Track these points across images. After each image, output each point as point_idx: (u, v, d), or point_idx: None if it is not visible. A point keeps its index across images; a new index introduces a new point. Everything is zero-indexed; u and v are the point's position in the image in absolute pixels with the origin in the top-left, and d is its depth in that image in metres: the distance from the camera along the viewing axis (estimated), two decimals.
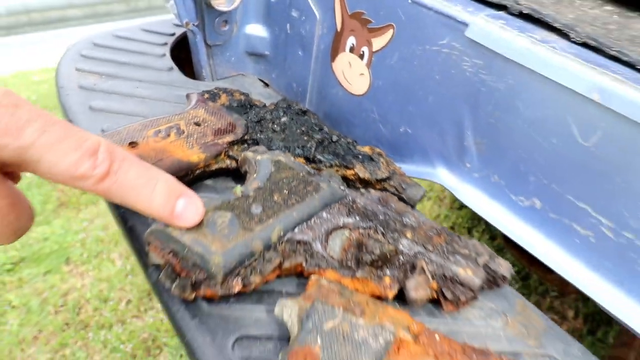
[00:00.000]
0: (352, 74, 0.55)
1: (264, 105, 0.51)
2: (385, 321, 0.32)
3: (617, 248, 0.38)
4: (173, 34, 0.69)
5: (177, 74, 0.60)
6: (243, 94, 0.51)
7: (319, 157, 0.46)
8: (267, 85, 0.66)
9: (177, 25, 0.72)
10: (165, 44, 0.66)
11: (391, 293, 0.37)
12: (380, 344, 0.30)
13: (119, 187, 0.28)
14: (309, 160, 0.46)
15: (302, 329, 0.31)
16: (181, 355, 1.36)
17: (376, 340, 0.30)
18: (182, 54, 0.69)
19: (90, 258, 1.63)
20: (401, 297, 0.38)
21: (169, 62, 0.62)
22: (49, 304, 1.46)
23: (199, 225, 0.34)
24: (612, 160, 0.37)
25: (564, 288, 0.87)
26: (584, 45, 0.39)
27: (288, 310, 0.32)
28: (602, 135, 0.36)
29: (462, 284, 0.38)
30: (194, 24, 0.57)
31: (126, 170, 0.29)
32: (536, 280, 1.51)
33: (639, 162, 0.35)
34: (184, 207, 0.32)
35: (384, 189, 0.47)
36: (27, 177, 1.94)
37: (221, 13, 0.58)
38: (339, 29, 0.55)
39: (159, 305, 1.50)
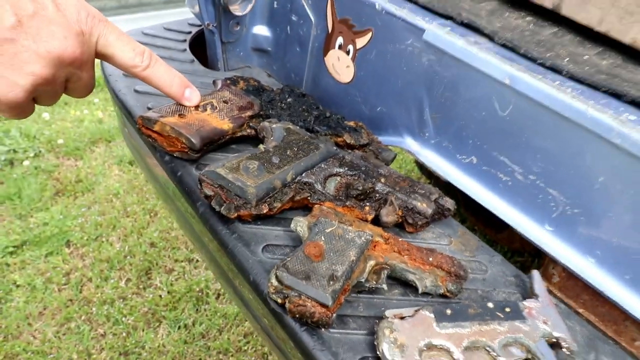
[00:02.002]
0: (340, 66, 0.71)
1: (272, 90, 0.66)
2: (366, 230, 0.48)
3: (525, 187, 0.56)
4: (189, 32, 0.83)
5: (198, 65, 0.74)
6: (256, 80, 0.66)
7: (316, 128, 0.62)
8: (269, 75, 0.81)
9: (191, 25, 0.86)
10: (185, 40, 0.80)
11: (370, 217, 0.52)
12: (363, 241, 0.46)
13: (154, 76, 0.49)
14: (309, 130, 0.62)
15: (310, 233, 0.46)
16: (179, 327, 1.48)
17: (360, 239, 0.46)
18: (195, 49, 0.83)
19: (89, 241, 1.72)
20: (376, 222, 0.54)
21: (190, 55, 0.76)
22: (53, 283, 1.55)
23: (237, 168, 0.49)
24: (520, 125, 0.54)
25: (511, 245, 1.04)
26: (504, 45, 0.56)
27: (300, 223, 0.48)
28: (513, 108, 0.53)
29: (419, 213, 0.54)
30: (213, 25, 0.71)
31: (159, 66, 0.49)
32: (491, 245, 1.71)
33: (536, 126, 0.52)
34: (189, 93, 0.54)
35: (365, 151, 0.63)
36: (23, 166, 2.00)
37: (235, 17, 0.72)
38: (330, 31, 0.71)
39: (157, 283, 1.62)
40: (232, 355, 1.45)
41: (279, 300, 0.42)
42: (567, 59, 0.55)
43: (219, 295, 1.60)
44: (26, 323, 1.44)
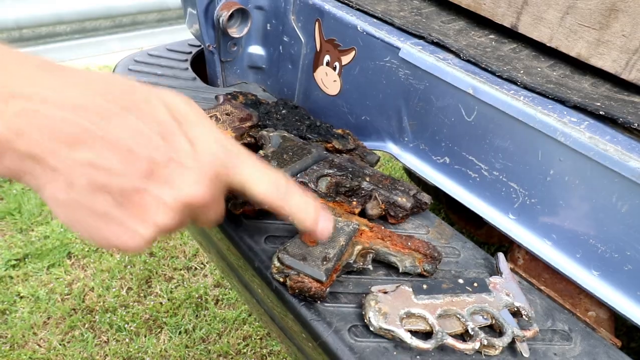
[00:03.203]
0: (328, 81, 0.80)
1: (268, 103, 0.75)
2: (354, 220, 0.56)
3: (491, 182, 0.64)
4: (190, 52, 0.91)
5: (199, 82, 0.82)
6: (253, 95, 0.74)
7: (308, 135, 0.70)
8: (264, 90, 0.90)
9: (191, 45, 0.94)
10: (186, 60, 0.88)
11: (357, 210, 0.60)
12: (351, 229, 0.54)
13: (289, 206, 0.40)
14: (302, 137, 0.70)
15: None
16: (180, 333, 1.54)
17: (348, 227, 0.54)
18: (194, 67, 0.91)
19: (90, 252, 1.77)
20: (363, 215, 0.61)
21: (191, 73, 0.84)
22: (56, 293, 1.60)
23: None
24: (483, 129, 0.62)
25: (488, 239, 1.13)
26: (468, 61, 0.65)
27: None
28: (477, 114, 0.62)
29: (399, 207, 0.62)
30: (213, 46, 0.80)
31: (293, 195, 0.41)
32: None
33: (497, 129, 0.61)
34: (324, 223, 0.43)
35: (352, 155, 0.71)
36: None
37: (232, 38, 0.81)
38: (318, 50, 0.79)
39: (157, 290, 1.67)
40: (232, 358, 1.50)
41: (281, 279, 0.49)
42: (522, 71, 0.64)
43: (217, 301, 1.65)
44: (31, 332, 1.48)
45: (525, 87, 0.60)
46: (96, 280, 1.66)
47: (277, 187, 0.39)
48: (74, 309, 1.56)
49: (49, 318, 1.54)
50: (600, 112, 0.55)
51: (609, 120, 0.55)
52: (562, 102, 0.58)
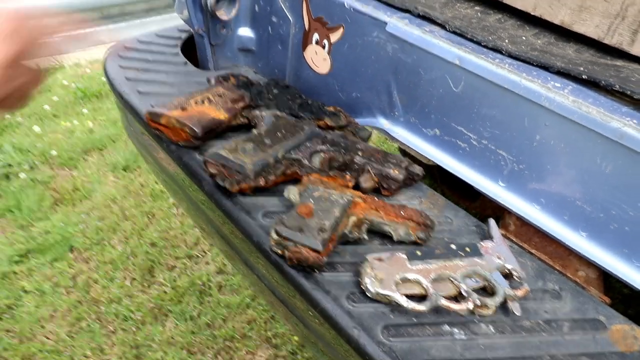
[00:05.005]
0: (318, 59, 0.80)
1: (260, 84, 0.75)
2: (347, 192, 0.58)
3: (480, 151, 0.66)
4: (179, 37, 0.91)
5: (190, 67, 0.83)
6: (245, 76, 0.75)
7: (300, 114, 0.71)
8: (255, 72, 0.90)
9: (181, 31, 0.94)
10: (176, 45, 0.88)
11: (350, 184, 0.62)
12: (345, 201, 0.55)
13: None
14: (294, 116, 0.71)
15: (301, 198, 0.55)
16: (185, 320, 1.56)
17: (342, 200, 0.56)
18: (185, 52, 0.92)
19: (92, 245, 1.78)
20: (357, 189, 0.63)
21: (182, 58, 0.85)
22: (60, 287, 1.62)
23: (236, 149, 0.58)
24: (471, 98, 0.64)
25: (484, 212, 1.14)
26: (454, 32, 0.66)
27: (292, 191, 0.57)
28: (464, 85, 0.63)
29: (392, 179, 0.64)
30: (202, 30, 0.80)
31: None
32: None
33: (483, 98, 0.62)
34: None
35: (344, 131, 0.72)
36: (20, 179, 2.06)
37: (221, 21, 0.81)
38: (306, 29, 0.80)
39: (161, 279, 1.69)
40: (237, 342, 1.53)
41: (279, 252, 0.51)
42: (507, 40, 0.65)
43: (220, 287, 1.68)
44: (39, 325, 1.50)
45: (510, 56, 0.61)
46: (100, 272, 1.68)
47: None
48: (79, 301, 1.59)
49: (55, 311, 1.56)
50: (583, 77, 0.56)
51: (591, 83, 0.56)
52: (546, 68, 0.59)
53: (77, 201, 2.01)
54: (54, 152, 2.26)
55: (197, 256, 1.79)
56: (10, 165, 2.16)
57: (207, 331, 1.56)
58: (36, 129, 2.43)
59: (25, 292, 1.62)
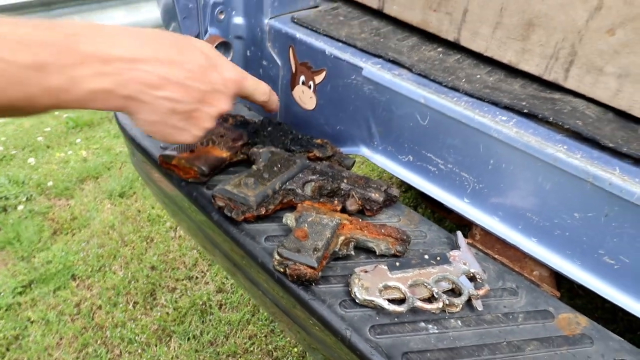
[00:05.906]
0: (305, 97, 0.92)
1: (255, 122, 0.86)
2: (336, 216, 0.68)
3: (447, 173, 0.77)
4: None
5: None
6: (241, 116, 0.86)
7: (292, 147, 0.82)
8: (249, 109, 1.01)
9: None
10: None
11: (338, 208, 0.73)
12: (334, 224, 0.66)
13: (271, 101, 0.69)
14: (287, 150, 0.82)
15: (297, 223, 0.66)
16: (188, 339, 1.63)
17: (332, 223, 0.66)
18: None
19: (93, 272, 1.85)
20: (344, 211, 0.74)
21: None
22: (65, 314, 1.68)
23: (239, 184, 0.68)
24: (436, 130, 0.75)
25: (460, 222, 1.26)
26: (419, 75, 0.78)
27: (289, 217, 0.67)
28: (430, 119, 0.75)
29: (374, 201, 0.75)
30: None
31: (272, 94, 0.69)
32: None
33: (446, 130, 0.74)
34: (274, 96, 0.70)
35: (331, 161, 0.83)
36: (18, 211, 2.11)
37: None
38: (294, 71, 0.91)
39: (163, 301, 1.76)
40: (240, 357, 1.61)
41: (281, 270, 0.61)
42: (464, 79, 0.77)
43: (221, 305, 1.76)
44: (46, 354, 1.55)
45: (466, 94, 0.73)
46: (103, 298, 1.74)
47: (266, 91, 0.66)
48: (84, 328, 1.64)
49: (61, 339, 1.61)
50: (525, 110, 0.68)
51: (531, 116, 0.68)
52: (495, 104, 0.71)
53: (76, 230, 2.07)
54: (50, 183, 2.32)
55: (197, 277, 1.86)
56: (7, 197, 2.21)
57: (210, 348, 1.63)
58: (31, 160, 2.49)
59: (31, 322, 1.67)
